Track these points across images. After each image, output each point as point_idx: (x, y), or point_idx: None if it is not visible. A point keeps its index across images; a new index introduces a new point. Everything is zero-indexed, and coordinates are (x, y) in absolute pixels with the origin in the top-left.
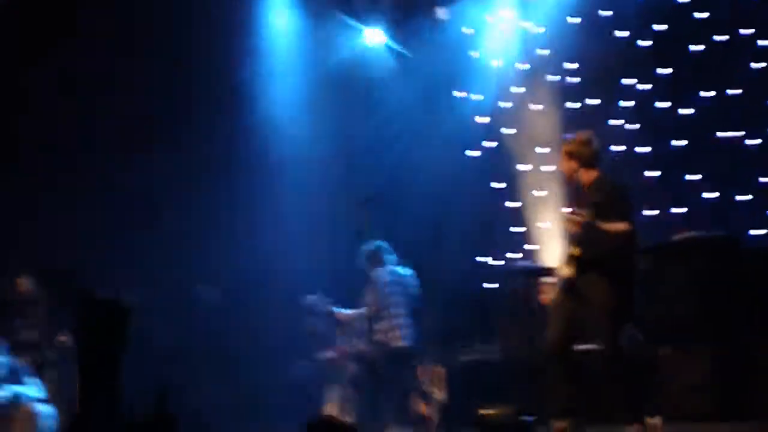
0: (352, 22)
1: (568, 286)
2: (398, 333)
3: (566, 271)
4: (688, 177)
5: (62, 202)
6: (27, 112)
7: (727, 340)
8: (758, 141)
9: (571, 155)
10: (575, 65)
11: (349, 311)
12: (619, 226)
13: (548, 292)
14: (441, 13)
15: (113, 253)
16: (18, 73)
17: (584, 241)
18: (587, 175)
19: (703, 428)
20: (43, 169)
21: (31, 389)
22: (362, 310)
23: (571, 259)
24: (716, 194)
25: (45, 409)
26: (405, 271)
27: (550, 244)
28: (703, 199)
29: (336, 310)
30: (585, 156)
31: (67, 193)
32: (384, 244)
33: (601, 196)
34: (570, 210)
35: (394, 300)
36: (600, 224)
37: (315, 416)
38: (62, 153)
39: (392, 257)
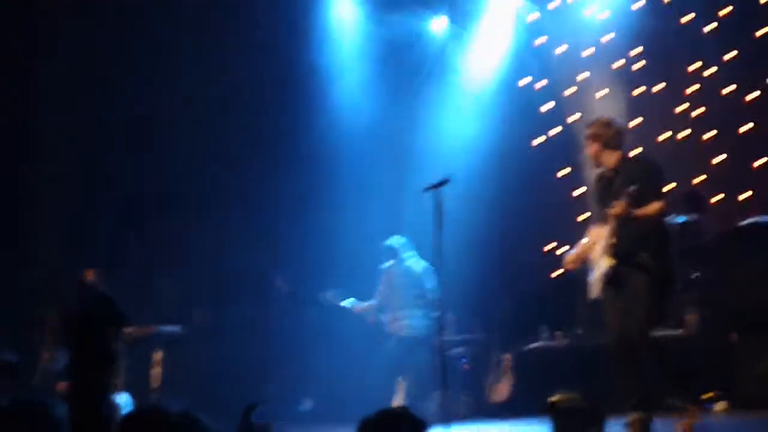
0: (417, 9)
1: (613, 278)
2: (402, 323)
3: (607, 262)
4: (754, 162)
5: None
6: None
7: None
8: None
9: (593, 137)
10: (640, 50)
11: (363, 303)
12: (654, 207)
13: (594, 286)
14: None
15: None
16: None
17: (622, 230)
18: (611, 157)
19: None
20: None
21: None
22: (373, 302)
23: (611, 248)
24: None
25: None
26: (418, 265)
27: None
28: None
29: (351, 304)
30: (607, 137)
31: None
32: (401, 239)
33: (630, 177)
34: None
35: (401, 293)
36: (635, 212)
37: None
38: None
39: (409, 252)
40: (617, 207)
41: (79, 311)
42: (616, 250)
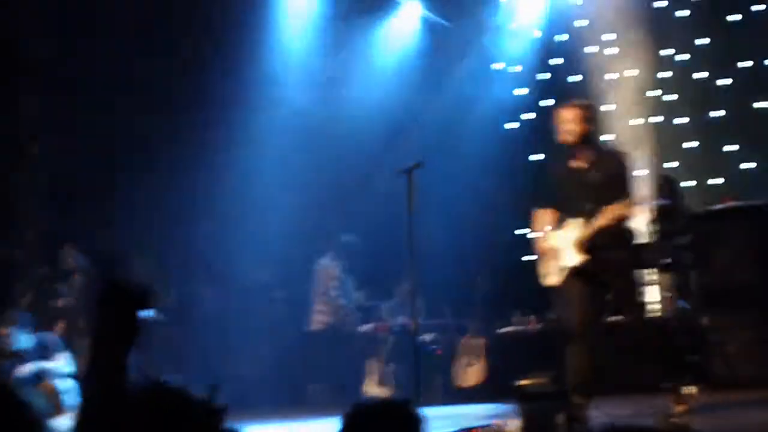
0: None
1: (583, 273)
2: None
3: (579, 256)
4: (725, 147)
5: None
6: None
7: None
8: None
9: (587, 119)
10: (613, 36)
11: None
12: (625, 206)
13: (551, 273)
14: None
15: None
16: None
17: (596, 231)
18: (591, 145)
19: (750, 396)
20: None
21: (60, 364)
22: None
23: (581, 243)
24: (754, 164)
25: (67, 385)
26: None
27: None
28: (741, 168)
29: None
30: (592, 122)
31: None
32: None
33: (606, 170)
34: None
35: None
36: (607, 219)
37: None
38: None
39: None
40: (610, 210)
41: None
42: (588, 246)
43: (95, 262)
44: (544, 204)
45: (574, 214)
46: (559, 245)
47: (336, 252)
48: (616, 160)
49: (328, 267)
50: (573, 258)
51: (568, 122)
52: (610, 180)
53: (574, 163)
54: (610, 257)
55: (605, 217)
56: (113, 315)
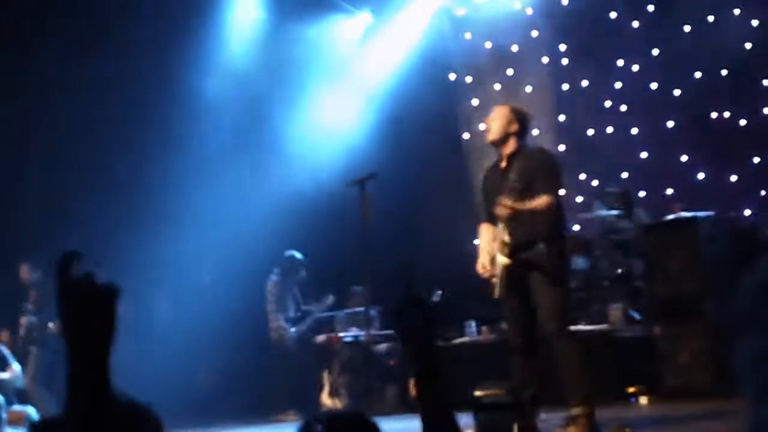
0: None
1: (511, 276)
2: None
3: (503, 260)
4: (680, 157)
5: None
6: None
7: (728, 315)
8: (748, 121)
9: (512, 118)
10: (566, 46)
11: None
12: (542, 201)
13: (495, 287)
14: None
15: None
16: None
17: (513, 225)
18: (514, 146)
19: (702, 406)
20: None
21: (11, 376)
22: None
23: (505, 246)
24: (707, 174)
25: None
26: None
27: None
28: (695, 178)
29: None
30: (525, 126)
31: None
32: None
33: (524, 168)
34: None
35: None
36: (522, 206)
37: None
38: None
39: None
40: (502, 204)
41: None
42: (510, 249)
43: (50, 273)
44: (484, 218)
45: (493, 218)
46: (495, 255)
47: (281, 268)
48: (537, 157)
49: (271, 283)
50: (500, 263)
51: (492, 120)
52: (527, 176)
53: (499, 165)
54: (531, 256)
55: (517, 206)
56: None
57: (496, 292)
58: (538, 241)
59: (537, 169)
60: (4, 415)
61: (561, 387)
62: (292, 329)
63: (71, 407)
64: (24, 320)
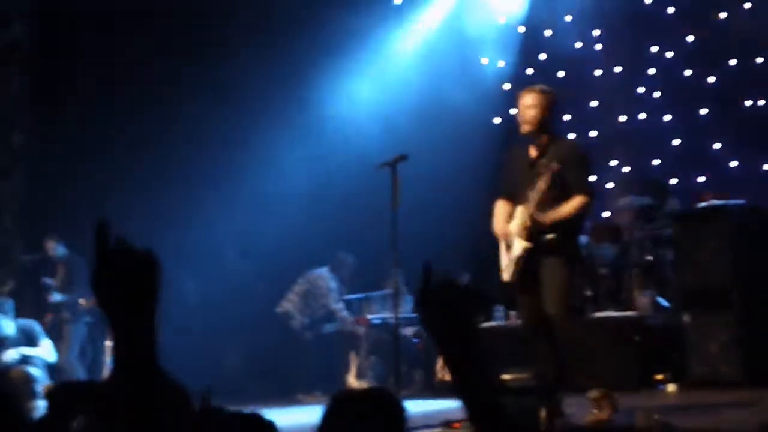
0: None
1: (528, 261)
2: None
3: (521, 245)
4: (712, 145)
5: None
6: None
7: (754, 306)
8: None
9: (549, 103)
10: (599, 32)
11: None
12: (577, 204)
13: (506, 269)
14: None
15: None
16: None
17: (538, 215)
18: (546, 133)
19: (729, 395)
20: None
21: (43, 351)
22: None
23: (525, 230)
24: (739, 162)
25: (39, 372)
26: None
27: None
28: (727, 167)
29: None
30: (557, 107)
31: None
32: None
33: (561, 162)
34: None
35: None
36: (559, 214)
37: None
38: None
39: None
40: (539, 187)
41: None
42: (530, 233)
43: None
44: (500, 194)
45: (523, 202)
46: (509, 239)
47: (333, 265)
48: (569, 150)
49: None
50: (518, 247)
51: (528, 108)
52: (561, 169)
53: (529, 151)
54: (549, 240)
55: (558, 213)
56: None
57: (507, 275)
58: (558, 230)
59: (569, 163)
60: (40, 389)
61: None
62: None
63: (115, 378)
64: (51, 297)
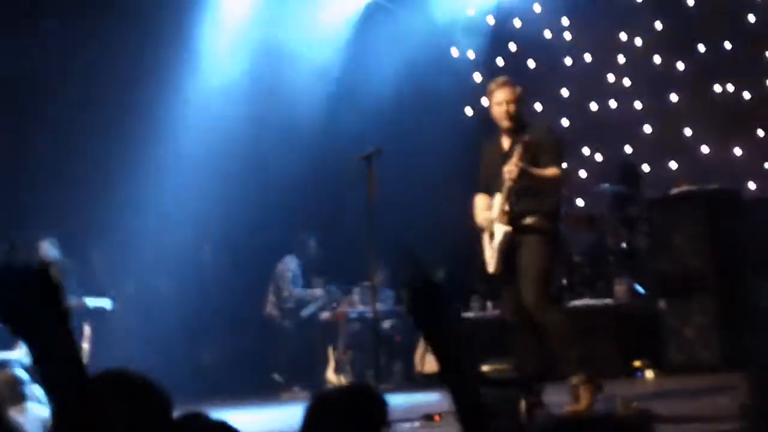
0: None
1: (508, 248)
2: None
3: (501, 229)
4: (683, 131)
5: None
6: None
7: (731, 290)
8: (751, 95)
9: (517, 94)
10: (569, 21)
11: None
12: (551, 172)
13: (491, 260)
14: None
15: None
16: None
17: (515, 194)
18: (519, 120)
19: (707, 380)
20: None
21: (20, 354)
22: None
23: (504, 215)
24: (710, 149)
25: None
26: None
27: None
28: (699, 153)
29: None
30: (521, 101)
31: None
32: None
33: (533, 141)
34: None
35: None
36: (533, 170)
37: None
38: None
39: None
40: (514, 164)
41: None
42: (510, 217)
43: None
44: (479, 187)
45: (499, 190)
46: (491, 228)
47: (297, 251)
48: (541, 133)
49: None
50: (499, 233)
51: (505, 103)
52: (532, 152)
53: (501, 142)
54: (529, 224)
55: (528, 168)
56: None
57: (492, 267)
58: (537, 211)
59: (541, 145)
60: (28, 392)
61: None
62: (302, 312)
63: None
64: None
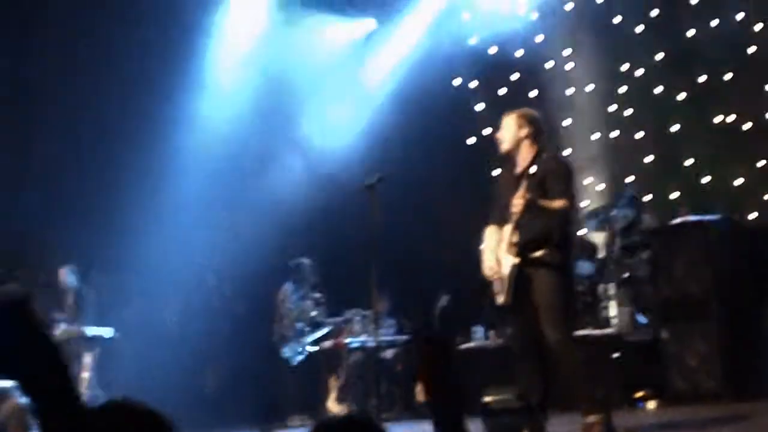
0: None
1: (518, 279)
2: None
3: (510, 261)
4: (683, 161)
5: None
6: None
7: (733, 317)
8: (751, 124)
9: (520, 124)
10: (570, 51)
11: None
12: (559, 203)
13: (499, 291)
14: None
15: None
16: None
17: (525, 225)
18: (529, 150)
19: (710, 409)
20: None
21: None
22: None
23: (513, 246)
24: (710, 178)
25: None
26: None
27: None
28: (700, 182)
29: None
30: (534, 129)
31: None
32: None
33: (542, 172)
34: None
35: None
36: (540, 202)
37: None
38: None
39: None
40: (520, 196)
41: None
42: (518, 249)
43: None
44: (493, 220)
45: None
46: (501, 258)
47: (294, 276)
48: (552, 162)
49: (282, 291)
50: (508, 263)
51: (502, 130)
52: (543, 180)
53: (514, 170)
54: (539, 257)
55: (536, 199)
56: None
57: (501, 298)
58: (546, 244)
59: (550, 174)
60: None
61: (568, 392)
62: (305, 339)
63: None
64: (59, 329)
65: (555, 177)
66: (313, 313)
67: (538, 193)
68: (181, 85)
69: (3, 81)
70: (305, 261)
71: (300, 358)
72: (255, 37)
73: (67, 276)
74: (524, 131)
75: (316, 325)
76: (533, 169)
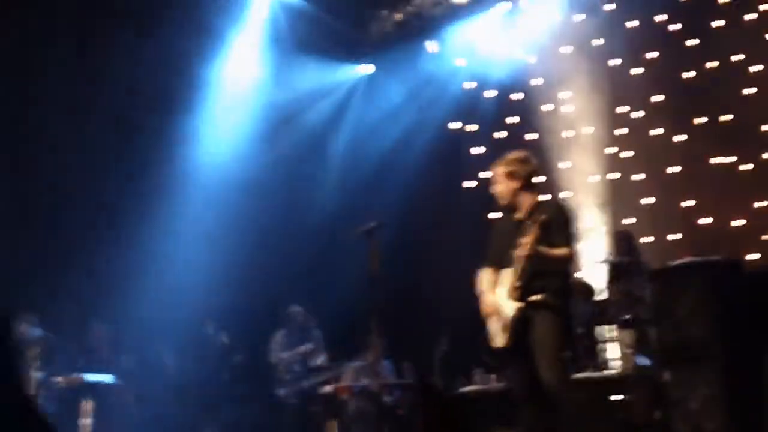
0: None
1: (519, 323)
2: None
3: (513, 305)
4: (682, 203)
5: None
6: None
7: (735, 360)
8: (750, 166)
9: (511, 175)
10: (569, 94)
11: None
12: (561, 252)
13: (497, 334)
14: (431, 46)
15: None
16: None
17: (527, 271)
18: (528, 198)
19: None
20: None
21: None
22: None
23: (515, 290)
24: (710, 219)
25: None
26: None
27: None
28: (698, 224)
29: None
30: (526, 174)
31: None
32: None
33: (545, 219)
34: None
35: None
36: (543, 251)
37: None
38: None
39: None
40: (526, 241)
41: None
42: (521, 293)
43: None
44: (486, 262)
45: (509, 265)
46: (500, 302)
47: (286, 323)
48: (553, 208)
49: (274, 339)
50: (509, 309)
51: (496, 185)
52: (546, 226)
53: (513, 214)
54: (540, 300)
55: (541, 249)
56: None
57: (498, 341)
58: (547, 289)
59: (553, 223)
60: None
61: None
62: (301, 383)
63: None
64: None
65: (558, 225)
66: (308, 358)
67: (541, 241)
68: (177, 130)
69: None
70: (296, 308)
71: (295, 401)
72: (250, 82)
73: (26, 330)
74: (517, 183)
75: (311, 371)
76: (539, 216)
